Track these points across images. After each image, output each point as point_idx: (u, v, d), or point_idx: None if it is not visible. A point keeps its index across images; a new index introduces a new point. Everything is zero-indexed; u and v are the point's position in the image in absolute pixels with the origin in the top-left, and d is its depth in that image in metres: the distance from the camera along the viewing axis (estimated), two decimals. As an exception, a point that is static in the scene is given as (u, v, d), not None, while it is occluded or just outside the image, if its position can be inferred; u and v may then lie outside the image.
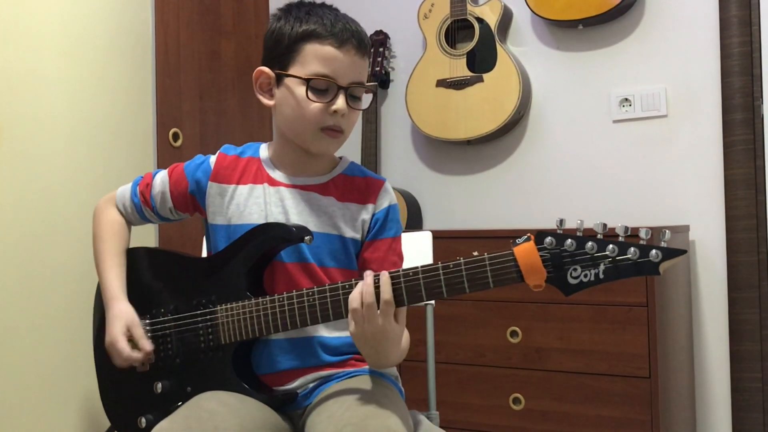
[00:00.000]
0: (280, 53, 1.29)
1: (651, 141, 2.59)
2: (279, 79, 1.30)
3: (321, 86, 1.26)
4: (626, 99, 2.62)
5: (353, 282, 1.16)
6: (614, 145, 2.65)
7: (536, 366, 2.23)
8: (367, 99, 1.33)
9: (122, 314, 1.32)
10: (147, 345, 1.31)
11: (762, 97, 2.40)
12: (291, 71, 1.27)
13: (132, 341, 1.31)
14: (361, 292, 1.12)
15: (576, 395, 2.17)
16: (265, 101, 1.34)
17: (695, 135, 2.53)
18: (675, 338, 2.29)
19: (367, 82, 1.32)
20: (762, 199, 2.40)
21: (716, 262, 2.49)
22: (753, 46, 2.41)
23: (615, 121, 2.65)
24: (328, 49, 1.25)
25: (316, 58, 1.25)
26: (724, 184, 2.46)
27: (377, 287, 1.12)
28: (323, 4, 1.32)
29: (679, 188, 2.54)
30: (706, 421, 2.50)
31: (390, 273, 1.14)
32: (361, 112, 1.34)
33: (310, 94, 1.25)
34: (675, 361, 2.27)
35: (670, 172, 2.56)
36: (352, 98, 1.29)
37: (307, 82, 1.25)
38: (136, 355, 1.30)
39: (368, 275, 1.13)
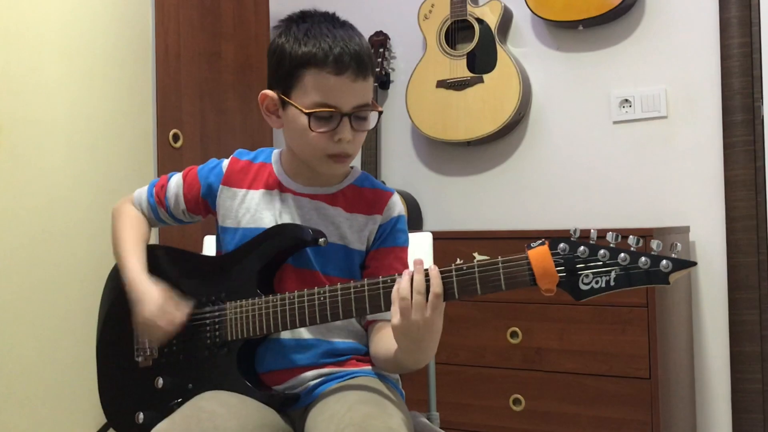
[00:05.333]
0: (282, 76, 1.26)
1: (651, 142, 2.59)
2: (284, 103, 1.28)
3: (323, 116, 1.23)
4: (626, 100, 2.63)
5: (366, 282, 1.17)
6: (614, 146, 2.65)
7: (536, 366, 2.23)
8: (373, 117, 1.30)
9: (156, 290, 1.29)
10: (186, 307, 1.29)
11: (762, 98, 2.40)
12: (293, 98, 1.25)
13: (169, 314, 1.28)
14: (408, 282, 1.11)
15: (576, 396, 2.17)
16: (273, 124, 1.33)
17: (695, 136, 2.53)
18: (675, 339, 2.29)
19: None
20: (762, 200, 2.40)
21: (716, 262, 2.49)
22: (753, 46, 2.41)
23: (615, 122, 2.65)
24: (327, 79, 1.22)
25: (315, 88, 1.23)
26: (725, 185, 2.46)
27: (427, 280, 1.11)
28: (323, 17, 1.28)
29: (680, 189, 2.55)
30: (706, 422, 2.50)
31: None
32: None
33: (312, 124, 1.23)
34: (675, 362, 2.27)
35: (671, 173, 2.56)
36: (358, 119, 1.26)
37: (308, 116, 1.23)
38: (180, 318, 1.28)
39: (417, 267, 1.12)
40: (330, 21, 1.28)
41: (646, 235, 2.07)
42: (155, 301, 1.28)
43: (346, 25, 1.29)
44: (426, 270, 1.12)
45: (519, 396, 2.25)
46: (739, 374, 2.40)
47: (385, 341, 1.25)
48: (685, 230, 2.48)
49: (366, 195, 1.37)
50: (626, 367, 2.11)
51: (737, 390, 2.41)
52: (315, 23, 1.26)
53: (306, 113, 1.23)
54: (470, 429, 2.31)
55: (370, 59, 1.27)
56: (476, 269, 1.10)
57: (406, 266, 1.36)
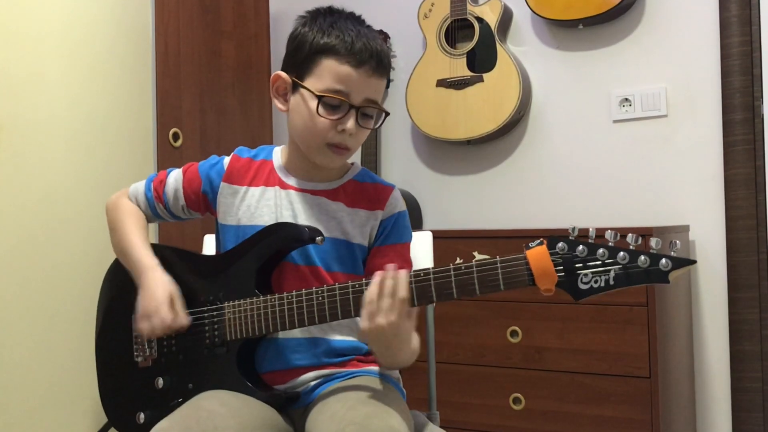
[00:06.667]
0: (299, 61, 1.28)
1: (651, 141, 2.59)
2: (295, 87, 1.30)
3: (333, 103, 1.26)
4: (626, 99, 2.62)
5: (363, 282, 1.17)
6: (614, 145, 2.65)
7: (536, 366, 2.23)
8: (379, 118, 1.32)
9: (165, 283, 1.29)
10: (186, 318, 1.29)
11: (762, 96, 2.40)
12: (306, 82, 1.27)
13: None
14: (378, 286, 1.12)
15: (576, 395, 2.17)
16: (280, 106, 1.34)
17: (695, 135, 2.53)
18: (675, 338, 2.29)
19: None
20: (762, 199, 2.40)
21: (716, 262, 2.49)
22: (753, 45, 2.41)
23: (615, 121, 2.65)
24: (344, 68, 1.24)
25: (331, 74, 1.25)
26: (724, 184, 2.46)
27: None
28: (350, 15, 1.31)
29: (679, 188, 2.54)
30: (706, 421, 2.50)
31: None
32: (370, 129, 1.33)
33: (321, 109, 1.25)
34: (675, 361, 2.27)
35: (670, 172, 2.56)
36: (364, 116, 1.29)
37: (319, 98, 1.25)
38: (177, 324, 1.28)
39: (387, 272, 1.13)
40: (356, 20, 1.31)
41: (645, 233, 2.08)
42: (166, 291, 1.28)
43: (370, 28, 1.31)
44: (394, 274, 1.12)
45: (519, 395, 2.25)
46: (739, 373, 2.40)
47: None
48: (685, 229, 2.48)
49: (367, 190, 1.37)
50: (626, 366, 2.11)
51: (737, 389, 2.41)
52: (341, 18, 1.29)
53: (317, 95, 1.25)
54: (470, 428, 2.31)
55: (388, 62, 1.30)
56: (474, 269, 1.10)
57: (410, 263, 1.38)
